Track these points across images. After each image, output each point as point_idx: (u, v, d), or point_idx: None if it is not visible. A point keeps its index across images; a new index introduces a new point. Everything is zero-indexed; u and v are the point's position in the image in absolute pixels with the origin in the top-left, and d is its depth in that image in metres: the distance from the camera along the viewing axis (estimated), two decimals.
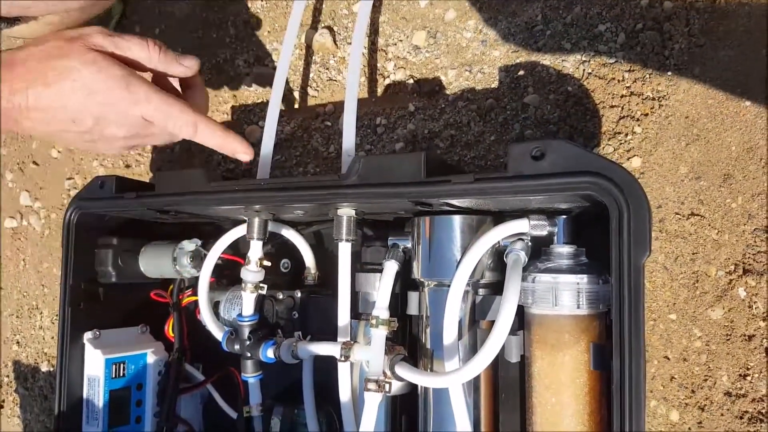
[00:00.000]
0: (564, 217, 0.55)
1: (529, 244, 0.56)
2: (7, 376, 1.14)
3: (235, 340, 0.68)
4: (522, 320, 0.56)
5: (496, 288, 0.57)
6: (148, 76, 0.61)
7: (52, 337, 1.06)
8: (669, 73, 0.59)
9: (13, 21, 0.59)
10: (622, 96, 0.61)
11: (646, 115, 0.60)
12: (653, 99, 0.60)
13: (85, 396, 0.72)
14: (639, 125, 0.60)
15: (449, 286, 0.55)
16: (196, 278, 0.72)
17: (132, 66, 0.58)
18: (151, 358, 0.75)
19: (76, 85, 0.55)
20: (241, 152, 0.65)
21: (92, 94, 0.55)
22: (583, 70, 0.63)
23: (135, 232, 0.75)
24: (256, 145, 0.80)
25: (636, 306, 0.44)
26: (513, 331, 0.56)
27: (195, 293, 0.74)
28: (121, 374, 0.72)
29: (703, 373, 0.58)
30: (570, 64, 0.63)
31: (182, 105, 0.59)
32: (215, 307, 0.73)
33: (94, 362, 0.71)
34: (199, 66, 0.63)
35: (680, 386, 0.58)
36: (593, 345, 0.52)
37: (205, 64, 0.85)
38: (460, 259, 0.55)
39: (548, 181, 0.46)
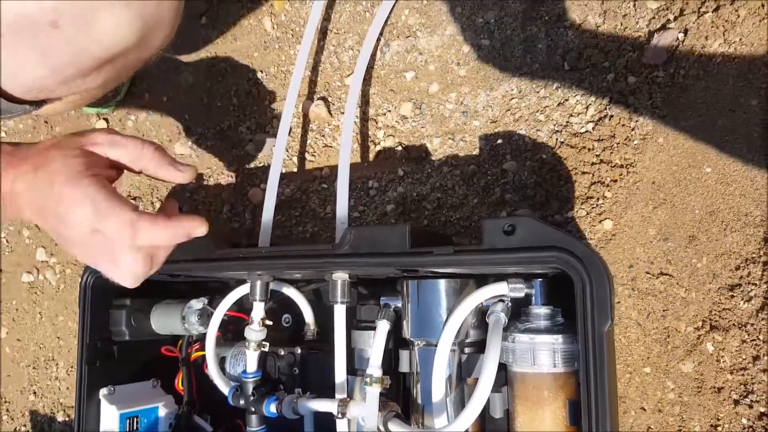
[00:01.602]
0: (540, 280, 0.59)
1: (509, 304, 0.60)
2: (24, 426, 1.17)
3: (240, 395, 0.71)
4: (504, 377, 0.60)
5: (481, 346, 0.60)
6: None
7: (68, 388, 1.10)
8: (635, 143, 0.64)
9: (39, 103, 0.63)
10: (592, 163, 0.66)
11: (616, 181, 0.65)
12: (622, 166, 0.65)
13: None
14: (609, 190, 0.65)
15: (437, 345, 0.60)
16: (204, 334, 0.76)
17: (126, 165, 0.59)
18: (162, 411, 0.79)
19: (52, 197, 0.54)
20: (199, 231, 0.61)
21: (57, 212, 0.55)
22: (557, 139, 0.68)
23: (146, 291, 0.80)
24: (258, 206, 0.85)
25: (601, 368, 0.48)
26: (497, 388, 0.60)
27: (202, 348, 0.77)
28: (135, 428, 0.76)
29: (677, 423, 0.61)
30: (544, 133, 0.68)
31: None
32: (222, 362, 0.77)
33: (110, 418, 0.75)
34: (195, 175, 0.62)
35: None
36: (569, 402, 0.55)
37: (209, 130, 0.91)
38: (446, 321, 0.60)
39: (518, 255, 0.51)
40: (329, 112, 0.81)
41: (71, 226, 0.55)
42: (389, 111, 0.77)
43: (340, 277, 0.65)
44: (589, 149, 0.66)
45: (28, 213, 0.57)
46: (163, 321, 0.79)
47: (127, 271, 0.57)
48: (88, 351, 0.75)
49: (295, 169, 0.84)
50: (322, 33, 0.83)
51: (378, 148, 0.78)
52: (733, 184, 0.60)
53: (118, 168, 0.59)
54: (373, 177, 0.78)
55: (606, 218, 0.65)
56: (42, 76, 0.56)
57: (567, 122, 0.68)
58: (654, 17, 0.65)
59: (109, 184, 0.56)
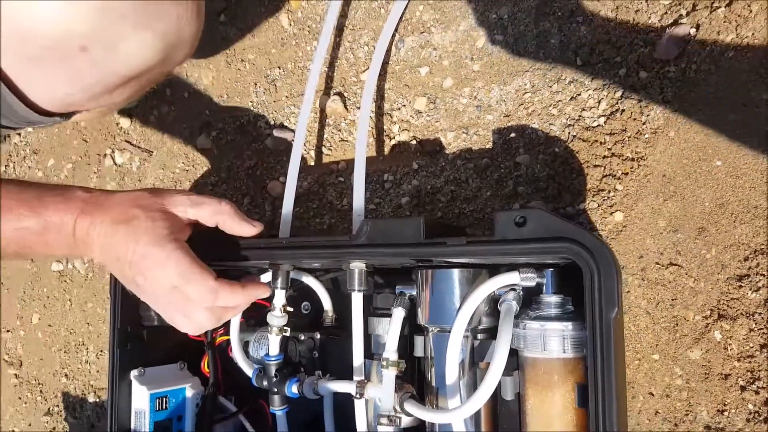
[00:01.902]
0: (551, 270, 0.61)
1: (521, 293, 0.63)
2: (57, 406, 1.22)
3: (264, 377, 0.75)
4: (516, 362, 0.63)
5: (493, 333, 0.62)
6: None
7: (98, 371, 1.15)
8: (646, 136, 0.66)
9: (68, 115, 0.67)
10: (604, 157, 0.68)
11: (627, 174, 0.67)
12: (633, 159, 0.66)
13: (132, 427, 0.79)
14: (620, 183, 0.67)
15: (450, 331, 0.62)
16: (228, 320, 0.80)
17: (203, 223, 0.66)
18: (189, 392, 0.82)
19: (133, 256, 0.60)
20: (264, 295, 0.70)
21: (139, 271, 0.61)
22: (569, 133, 0.69)
23: None
24: (278, 198, 0.88)
25: (608, 354, 0.50)
26: (509, 372, 0.62)
27: (227, 333, 0.80)
28: (164, 407, 0.80)
29: (684, 408, 0.63)
30: (557, 127, 0.70)
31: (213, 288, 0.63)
32: (245, 346, 0.80)
33: (140, 397, 0.78)
34: (261, 229, 0.69)
35: (664, 420, 0.64)
36: (578, 385, 0.58)
37: (229, 124, 0.94)
38: (459, 308, 0.62)
39: (529, 245, 0.53)
40: (345, 107, 0.83)
41: (152, 282, 0.62)
42: (404, 106, 0.79)
43: (357, 266, 0.68)
44: (600, 143, 0.68)
45: (100, 258, 0.63)
46: (165, 318, 0.82)
47: (198, 326, 0.66)
48: (119, 335, 0.79)
49: (313, 163, 0.87)
50: (338, 29, 0.85)
51: (393, 142, 0.80)
52: (743, 177, 0.61)
53: (194, 225, 0.66)
54: (389, 170, 0.80)
55: (617, 210, 0.67)
56: (71, 94, 0.59)
57: (579, 116, 0.69)
58: (666, 12, 0.66)
59: (190, 249, 0.62)
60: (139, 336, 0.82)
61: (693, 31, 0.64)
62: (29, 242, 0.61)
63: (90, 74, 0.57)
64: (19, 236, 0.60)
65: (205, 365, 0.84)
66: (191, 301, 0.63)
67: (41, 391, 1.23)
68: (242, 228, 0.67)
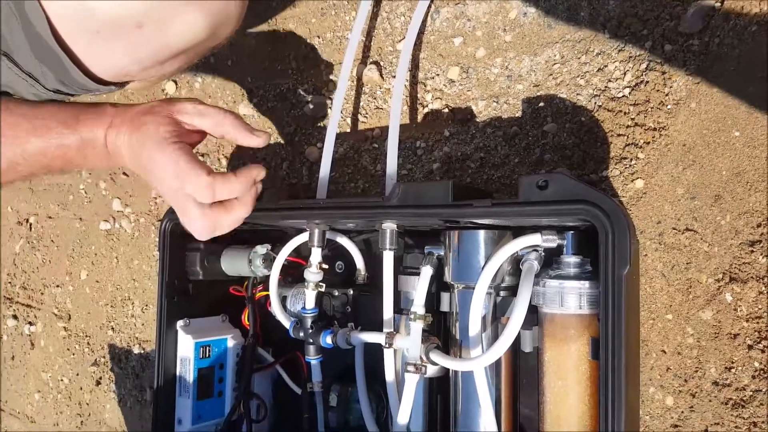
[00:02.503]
0: (571, 232, 0.65)
1: (542, 254, 0.66)
2: (103, 357, 1.29)
3: (300, 328, 0.80)
4: (536, 318, 0.67)
5: (515, 290, 0.66)
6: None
7: (143, 324, 1.20)
8: (669, 107, 0.69)
9: (123, 84, 0.72)
10: (627, 126, 0.71)
11: (648, 143, 0.70)
12: (655, 129, 0.69)
13: (178, 373, 0.85)
14: (642, 152, 0.70)
15: (474, 288, 0.67)
16: (267, 276, 0.84)
17: (209, 131, 0.68)
18: (230, 343, 0.88)
19: (144, 153, 0.64)
20: (261, 174, 0.69)
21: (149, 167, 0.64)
22: (595, 103, 0.72)
23: (216, 237, 0.89)
24: (315, 163, 0.93)
25: (618, 308, 0.54)
26: (528, 327, 0.67)
27: (266, 289, 0.85)
28: (207, 355, 0.86)
29: (694, 365, 0.67)
30: (583, 97, 0.73)
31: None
32: (283, 301, 0.85)
33: (186, 345, 0.84)
34: (268, 140, 0.70)
35: (675, 376, 0.68)
36: (592, 339, 0.62)
37: (270, 92, 0.99)
38: (483, 267, 0.66)
39: (550, 207, 0.57)
40: (381, 75, 0.87)
41: (159, 183, 0.65)
42: (437, 75, 0.83)
43: (389, 227, 0.73)
44: (624, 113, 0.71)
45: (129, 164, 0.68)
46: (232, 263, 0.88)
47: (196, 226, 0.66)
48: (167, 287, 0.85)
49: (349, 130, 0.91)
50: (376, 0, 0.88)
51: (426, 110, 0.84)
52: (760, 147, 0.64)
53: (201, 133, 0.68)
54: (421, 137, 0.84)
55: (638, 178, 0.70)
56: (126, 65, 0.64)
57: (605, 87, 0.72)
58: None
59: (190, 150, 0.64)
60: (185, 289, 0.88)
61: (718, 5, 0.66)
62: (71, 157, 0.66)
63: (144, 48, 0.62)
64: (62, 152, 0.65)
65: (245, 318, 0.89)
66: (190, 198, 0.64)
67: (88, 343, 1.29)
68: (246, 138, 0.68)
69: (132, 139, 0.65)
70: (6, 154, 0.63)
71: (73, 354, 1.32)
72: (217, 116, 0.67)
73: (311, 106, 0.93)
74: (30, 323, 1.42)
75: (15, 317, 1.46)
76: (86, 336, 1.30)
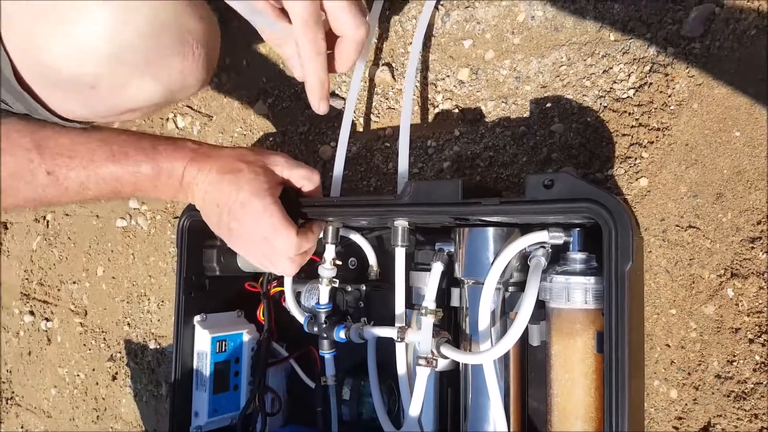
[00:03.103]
0: (578, 229, 0.67)
1: (549, 251, 0.68)
2: (119, 352, 1.30)
3: (314, 323, 0.82)
4: (543, 312, 0.69)
5: (523, 286, 0.68)
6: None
7: (159, 320, 1.23)
8: (672, 108, 0.71)
9: (88, 124, 0.70)
10: (632, 126, 0.73)
11: (652, 142, 0.72)
12: (658, 129, 0.71)
13: (195, 367, 0.87)
14: (646, 151, 0.72)
15: (484, 284, 0.69)
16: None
17: (292, 184, 0.75)
18: (246, 337, 0.90)
19: (233, 205, 0.69)
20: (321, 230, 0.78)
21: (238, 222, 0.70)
22: (600, 104, 0.75)
23: None
24: (328, 162, 0.95)
25: (621, 302, 0.56)
26: (535, 321, 0.69)
27: (280, 285, 0.88)
28: (223, 350, 0.88)
29: (697, 359, 0.69)
30: (589, 98, 0.75)
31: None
32: (297, 296, 0.87)
33: (203, 340, 0.86)
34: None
35: (678, 369, 0.70)
36: (597, 333, 0.64)
37: (284, 92, 1.01)
38: (492, 263, 0.68)
39: (555, 205, 0.59)
40: (393, 77, 0.90)
41: (245, 229, 0.70)
42: (448, 76, 0.85)
43: (401, 224, 0.75)
44: (629, 113, 0.73)
45: (200, 203, 0.72)
46: (248, 260, 0.90)
47: (283, 272, 0.76)
48: (185, 283, 0.87)
49: (362, 129, 0.93)
50: (389, 3, 0.90)
51: (437, 110, 0.86)
52: (759, 146, 0.66)
53: (283, 184, 0.74)
54: (432, 137, 0.86)
55: (642, 176, 0.72)
56: (85, 115, 0.65)
57: (610, 88, 0.74)
58: None
59: (282, 205, 0.71)
60: (202, 285, 0.90)
61: (717, 9, 0.68)
62: (142, 185, 0.69)
63: (100, 105, 0.63)
64: (135, 179, 0.68)
65: (260, 313, 0.91)
66: (277, 251, 0.71)
67: (105, 339, 1.31)
68: (315, 194, 0.77)
69: (221, 180, 0.69)
70: (79, 176, 0.65)
71: (90, 349, 1.34)
72: (306, 171, 0.74)
73: None
74: (47, 319, 1.45)
75: (32, 313, 1.49)
76: (102, 332, 1.32)
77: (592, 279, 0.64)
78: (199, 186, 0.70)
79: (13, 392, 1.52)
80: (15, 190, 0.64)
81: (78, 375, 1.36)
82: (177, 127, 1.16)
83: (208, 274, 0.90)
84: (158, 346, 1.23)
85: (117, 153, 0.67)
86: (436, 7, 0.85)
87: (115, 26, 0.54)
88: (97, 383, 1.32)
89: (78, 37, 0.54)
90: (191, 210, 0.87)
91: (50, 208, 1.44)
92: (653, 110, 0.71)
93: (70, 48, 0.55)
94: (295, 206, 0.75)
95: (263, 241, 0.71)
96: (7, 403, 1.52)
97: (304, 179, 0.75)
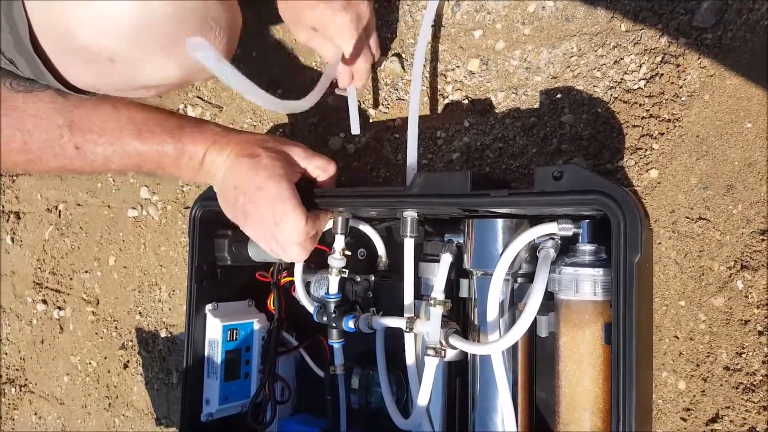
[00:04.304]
0: (587, 221, 0.67)
1: (559, 242, 0.69)
2: (131, 341, 1.32)
3: (323, 313, 0.83)
4: (552, 304, 0.69)
5: (532, 277, 0.68)
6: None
7: (170, 309, 1.24)
8: (683, 99, 0.70)
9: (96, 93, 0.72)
10: (642, 117, 0.72)
11: (663, 134, 0.71)
12: (669, 121, 0.71)
13: (206, 355, 0.89)
14: (656, 143, 0.72)
15: (492, 275, 0.69)
16: (292, 263, 0.88)
17: (310, 175, 0.78)
18: (256, 326, 0.91)
19: (249, 193, 0.71)
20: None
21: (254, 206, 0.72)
22: (611, 95, 0.74)
23: None
24: (337, 153, 0.96)
25: (629, 294, 0.56)
26: (544, 312, 0.69)
27: (291, 274, 0.88)
28: (234, 338, 0.89)
29: (706, 350, 0.69)
30: (600, 89, 0.75)
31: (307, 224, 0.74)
32: (307, 286, 0.88)
33: (214, 328, 0.87)
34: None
35: (687, 361, 0.70)
36: (606, 324, 0.64)
37: (295, 82, 1.01)
38: (501, 254, 0.69)
39: (564, 197, 0.59)
40: (402, 67, 0.90)
41: (260, 212, 0.72)
42: (458, 67, 0.85)
43: (410, 215, 0.75)
44: (640, 104, 0.72)
45: (219, 184, 0.74)
46: (258, 250, 0.90)
47: (293, 258, 0.77)
48: (197, 272, 0.88)
49: (371, 120, 0.94)
50: None
51: (446, 101, 0.86)
52: None
53: (300, 174, 0.76)
54: (441, 128, 0.86)
55: (652, 168, 0.72)
56: (98, 86, 0.65)
57: (621, 79, 0.74)
58: None
59: (297, 192, 0.72)
60: (214, 274, 0.91)
61: (730, 0, 0.67)
62: (164, 164, 0.71)
63: (115, 77, 0.63)
64: (159, 158, 0.70)
65: (270, 303, 0.92)
66: (286, 236, 0.73)
67: (116, 328, 1.33)
68: (329, 185, 0.79)
69: (239, 163, 0.71)
70: (106, 151, 0.68)
71: (101, 338, 1.36)
72: (323, 162, 0.77)
73: (334, 97, 0.96)
74: (59, 308, 1.47)
75: (44, 302, 1.51)
76: (114, 320, 1.34)
77: (600, 270, 0.64)
78: (218, 168, 0.72)
79: (26, 380, 1.54)
80: (44, 161, 0.67)
81: (90, 363, 1.38)
82: None
83: (219, 264, 0.91)
84: (169, 335, 1.24)
85: (144, 131, 0.69)
86: None
87: (141, 3, 0.54)
88: (108, 371, 1.34)
89: (102, 10, 0.54)
90: (203, 200, 0.87)
91: (63, 198, 1.46)
92: (664, 101, 0.71)
93: (94, 19, 0.55)
94: (308, 195, 0.76)
95: (274, 226, 0.72)
96: (20, 390, 1.54)
97: (320, 170, 0.77)
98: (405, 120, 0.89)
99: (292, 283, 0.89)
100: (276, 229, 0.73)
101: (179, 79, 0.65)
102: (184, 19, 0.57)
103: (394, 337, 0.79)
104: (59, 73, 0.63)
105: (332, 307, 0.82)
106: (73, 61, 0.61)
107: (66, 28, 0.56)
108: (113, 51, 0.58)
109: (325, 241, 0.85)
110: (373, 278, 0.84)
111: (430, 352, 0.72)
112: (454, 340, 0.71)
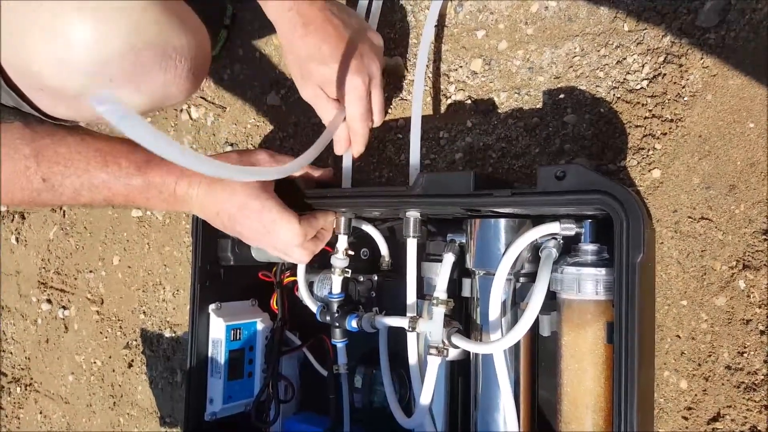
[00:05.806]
0: (590, 221, 0.67)
1: (561, 242, 0.69)
2: (135, 340, 1.32)
3: (326, 312, 0.83)
4: (554, 303, 0.70)
5: (534, 277, 0.68)
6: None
7: (174, 308, 1.25)
8: (685, 99, 0.70)
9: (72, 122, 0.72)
10: (645, 118, 0.72)
11: (665, 134, 0.71)
12: (671, 121, 0.71)
13: (210, 354, 0.90)
14: (659, 142, 0.72)
15: (495, 274, 0.69)
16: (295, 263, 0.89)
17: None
18: (260, 326, 0.92)
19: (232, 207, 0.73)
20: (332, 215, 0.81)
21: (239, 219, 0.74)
22: (614, 95, 0.74)
23: None
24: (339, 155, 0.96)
25: (632, 294, 0.56)
26: (546, 311, 0.69)
27: (294, 274, 0.89)
28: (238, 338, 0.90)
29: (707, 350, 0.69)
30: (602, 89, 0.75)
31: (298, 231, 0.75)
32: (310, 286, 0.89)
33: (218, 328, 0.88)
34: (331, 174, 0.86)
35: (689, 360, 0.70)
36: (607, 324, 0.64)
37: None
38: (504, 254, 0.69)
39: (567, 197, 0.59)
40: (405, 67, 0.90)
41: (250, 228, 0.74)
42: (461, 67, 0.85)
43: (413, 215, 0.76)
44: (642, 104, 0.73)
45: (199, 213, 0.76)
46: (261, 250, 0.91)
47: (297, 260, 0.79)
48: (200, 272, 0.89)
49: None
50: None
51: (449, 101, 0.87)
52: None
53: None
54: (444, 128, 0.87)
55: (655, 168, 0.72)
56: (72, 116, 0.65)
57: (624, 79, 0.74)
58: None
59: (278, 198, 0.74)
60: (217, 274, 0.92)
61: (734, 0, 0.68)
62: (133, 197, 0.71)
63: (86, 112, 0.63)
64: (127, 191, 0.70)
65: (274, 302, 0.93)
66: (284, 242, 0.74)
67: (121, 327, 1.33)
68: (314, 174, 0.81)
69: (213, 190, 0.72)
70: (74, 183, 0.68)
71: (106, 337, 1.37)
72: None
73: None
74: (64, 307, 1.48)
75: (49, 301, 1.52)
76: (118, 320, 1.34)
77: (603, 270, 0.64)
78: (194, 198, 0.73)
79: (31, 379, 1.55)
80: (10, 193, 0.67)
81: (95, 362, 1.39)
82: (191, 119, 1.17)
83: (222, 264, 0.92)
84: (173, 335, 1.25)
85: (111, 163, 0.69)
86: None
87: (95, 42, 0.53)
88: (113, 370, 1.35)
89: (59, 50, 0.54)
90: None
91: None
92: (667, 101, 0.71)
93: (54, 61, 0.55)
94: (296, 197, 0.77)
95: (269, 235, 0.74)
96: (26, 389, 1.55)
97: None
98: (408, 120, 0.89)
99: (295, 282, 0.89)
100: (271, 238, 0.74)
101: (147, 107, 0.64)
102: (141, 53, 0.56)
103: (397, 337, 0.80)
104: (35, 106, 0.63)
105: (335, 306, 0.83)
106: (44, 97, 0.61)
107: (30, 69, 0.56)
108: (76, 89, 0.58)
109: (329, 241, 0.86)
110: (376, 278, 0.85)
111: (433, 351, 0.72)
112: (457, 340, 0.71)
